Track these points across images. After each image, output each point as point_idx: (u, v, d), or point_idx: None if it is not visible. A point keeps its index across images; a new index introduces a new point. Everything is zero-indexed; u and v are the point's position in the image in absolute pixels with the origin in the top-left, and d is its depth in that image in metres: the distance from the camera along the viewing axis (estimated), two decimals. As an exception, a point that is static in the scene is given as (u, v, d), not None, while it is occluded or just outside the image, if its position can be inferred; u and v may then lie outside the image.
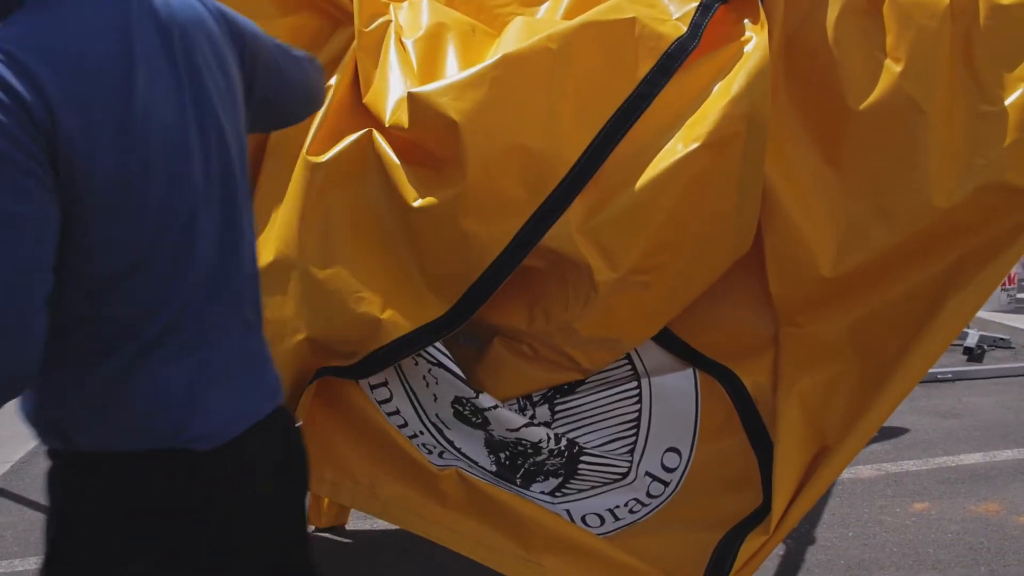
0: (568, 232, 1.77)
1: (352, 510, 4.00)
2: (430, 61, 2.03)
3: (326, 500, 4.01)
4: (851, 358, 1.96)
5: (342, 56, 2.08)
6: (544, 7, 2.34)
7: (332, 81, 2.03)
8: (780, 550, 3.44)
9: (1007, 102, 1.83)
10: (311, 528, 4.00)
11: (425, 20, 2.14)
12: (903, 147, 1.84)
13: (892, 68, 1.84)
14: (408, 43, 2.05)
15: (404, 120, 1.82)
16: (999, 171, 1.81)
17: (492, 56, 1.90)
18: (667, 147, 1.77)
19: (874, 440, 3.58)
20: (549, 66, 1.80)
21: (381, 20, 2.10)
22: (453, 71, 2.00)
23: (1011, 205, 1.83)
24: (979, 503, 4.04)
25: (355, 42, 2.06)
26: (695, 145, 1.74)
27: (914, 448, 4.54)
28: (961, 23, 1.87)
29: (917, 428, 4.79)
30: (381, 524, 3.90)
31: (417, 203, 1.81)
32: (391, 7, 2.20)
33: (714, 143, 1.74)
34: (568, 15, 2.25)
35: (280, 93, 1.52)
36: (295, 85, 1.56)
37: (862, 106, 1.85)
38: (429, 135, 1.81)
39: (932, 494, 4.07)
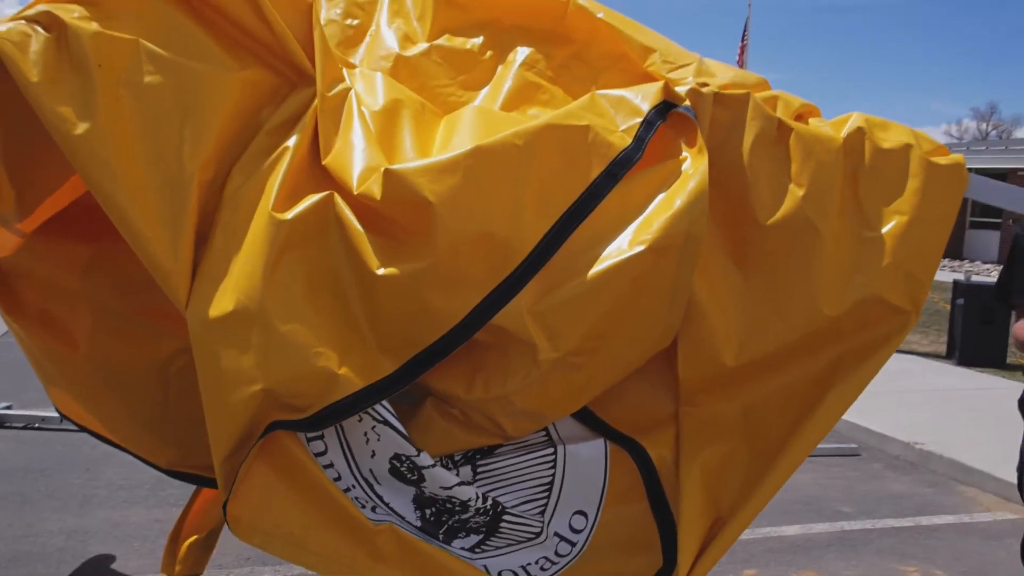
0: (520, 312, 1.94)
1: (209, 560, 3.94)
2: (388, 134, 2.16)
3: (183, 547, 3.92)
4: (741, 438, 2.22)
5: (299, 116, 2.16)
6: (483, 92, 2.54)
7: (291, 142, 2.12)
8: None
9: (884, 230, 2.18)
10: (165, 576, 3.90)
11: (381, 94, 2.28)
12: (801, 260, 2.14)
13: (795, 192, 2.15)
14: (366, 113, 2.18)
15: (375, 192, 1.94)
16: (876, 288, 2.14)
17: (455, 143, 2.07)
18: (614, 245, 1.98)
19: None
20: (516, 161, 1.98)
21: (341, 87, 2.21)
22: (408, 146, 2.15)
23: (883, 317, 2.16)
24: (799, 571, 4.46)
25: (316, 103, 2.15)
26: (640, 248, 1.96)
27: (742, 518, 4.94)
28: (851, 159, 2.21)
29: (743, 499, 5.21)
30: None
31: (381, 271, 1.93)
32: (346, 73, 2.32)
33: (656, 249, 1.96)
34: (507, 105, 2.46)
35: None
36: None
37: (769, 222, 2.14)
38: (401, 210, 1.93)
39: (760, 561, 4.46)
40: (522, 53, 2.60)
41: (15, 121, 2.19)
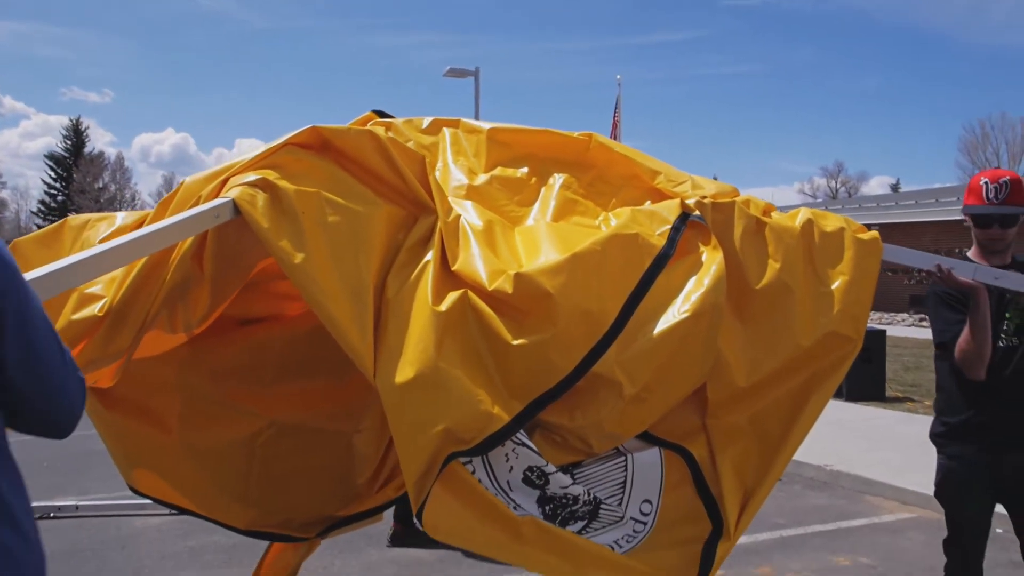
0: (610, 361, 2.83)
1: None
2: (490, 245, 3.06)
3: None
4: (752, 437, 3.17)
5: (428, 237, 3.01)
6: (535, 208, 3.47)
7: (428, 256, 2.97)
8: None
9: (833, 287, 3.21)
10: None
11: (476, 216, 3.18)
12: (782, 311, 3.13)
13: (774, 266, 3.16)
14: (474, 231, 3.08)
15: (507, 288, 2.80)
16: (833, 326, 3.15)
17: (544, 250, 2.97)
18: (667, 314, 2.90)
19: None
20: (598, 260, 2.90)
21: (454, 214, 3.10)
22: (506, 253, 3.06)
23: (839, 344, 3.17)
24: (756, 568, 5.43)
25: (439, 226, 3.01)
26: (685, 315, 2.89)
27: (703, 533, 5.91)
28: (806, 240, 3.25)
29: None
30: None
31: (516, 342, 2.79)
32: (451, 202, 3.21)
33: (696, 315, 2.89)
34: (556, 216, 3.40)
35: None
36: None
37: (758, 287, 3.13)
38: (527, 299, 2.81)
39: (724, 565, 5.39)
40: (559, 178, 3.57)
41: (226, 259, 3.01)
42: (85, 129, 69.92)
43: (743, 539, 5.98)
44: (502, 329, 2.85)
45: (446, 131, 3.79)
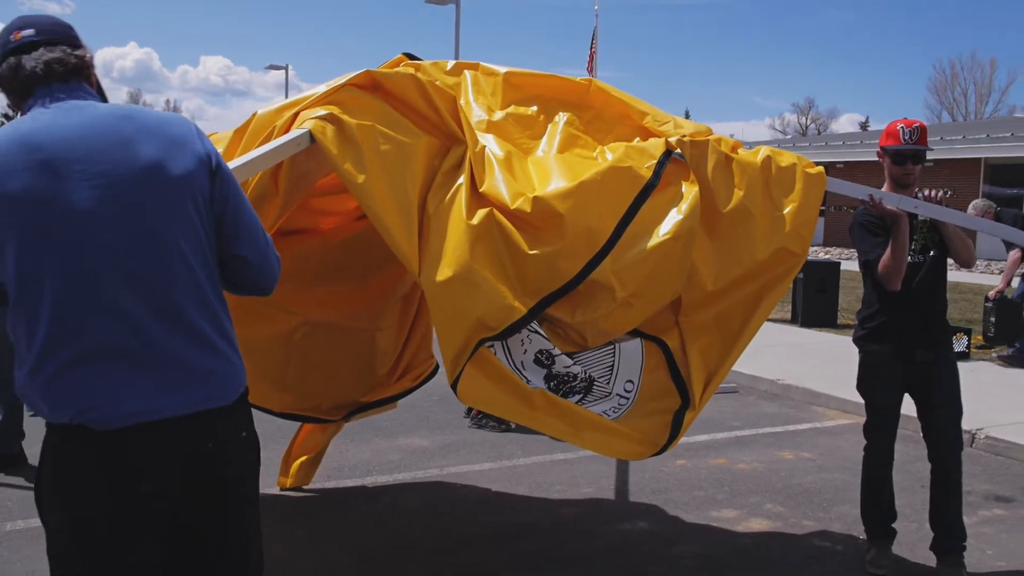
0: (606, 270, 3.52)
1: (318, 472, 5.39)
2: (510, 172, 3.74)
3: (295, 465, 5.35)
4: (716, 332, 3.93)
5: (459, 164, 3.68)
6: (543, 141, 4.15)
7: (460, 180, 3.64)
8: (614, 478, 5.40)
9: (785, 211, 3.94)
10: (278, 489, 5.32)
11: (497, 148, 3.85)
12: (744, 230, 3.86)
13: (738, 193, 3.87)
14: (497, 160, 3.75)
15: (526, 208, 3.47)
16: (783, 243, 3.89)
17: (554, 178, 3.64)
18: (652, 234, 3.56)
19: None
20: (598, 187, 3.56)
21: (480, 145, 3.76)
22: (524, 179, 3.75)
23: (787, 258, 3.91)
24: (713, 459, 6.28)
25: (469, 155, 3.67)
26: (666, 236, 3.56)
27: (669, 430, 6.75)
28: (765, 173, 3.96)
29: (666, 419, 7.02)
30: (336, 484, 5.32)
31: (532, 252, 3.47)
32: (477, 135, 3.87)
33: (675, 236, 3.55)
34: (560, 148, 4.08)
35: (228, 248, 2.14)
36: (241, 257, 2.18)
37: (725, 210, 3.85)
38: (542, 218, 3.48)
39: (686, 456, 6.25)
40: (563, 116, 4.22)
41: (295, 177, 3.67)
42: (50, 45, 68.14)
43: (703, 437, 6.88)
44: (520, 241, 3.55)
45: (467, 73, 4.42)
